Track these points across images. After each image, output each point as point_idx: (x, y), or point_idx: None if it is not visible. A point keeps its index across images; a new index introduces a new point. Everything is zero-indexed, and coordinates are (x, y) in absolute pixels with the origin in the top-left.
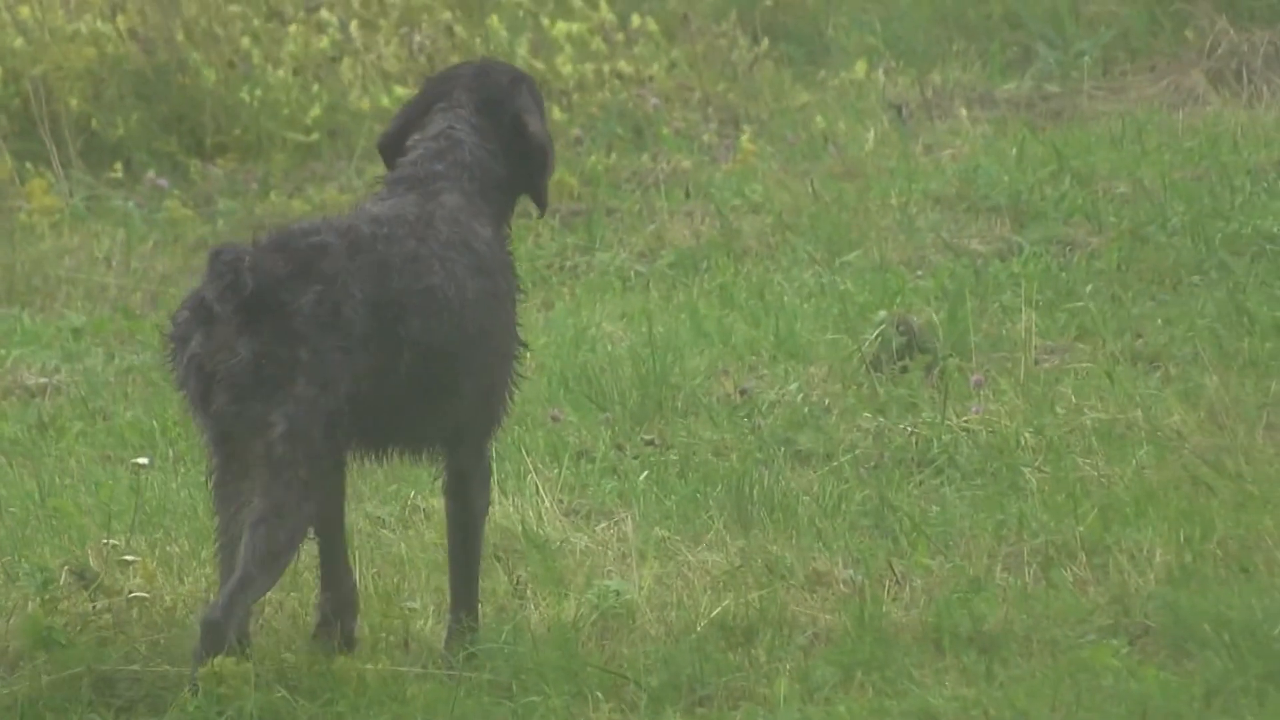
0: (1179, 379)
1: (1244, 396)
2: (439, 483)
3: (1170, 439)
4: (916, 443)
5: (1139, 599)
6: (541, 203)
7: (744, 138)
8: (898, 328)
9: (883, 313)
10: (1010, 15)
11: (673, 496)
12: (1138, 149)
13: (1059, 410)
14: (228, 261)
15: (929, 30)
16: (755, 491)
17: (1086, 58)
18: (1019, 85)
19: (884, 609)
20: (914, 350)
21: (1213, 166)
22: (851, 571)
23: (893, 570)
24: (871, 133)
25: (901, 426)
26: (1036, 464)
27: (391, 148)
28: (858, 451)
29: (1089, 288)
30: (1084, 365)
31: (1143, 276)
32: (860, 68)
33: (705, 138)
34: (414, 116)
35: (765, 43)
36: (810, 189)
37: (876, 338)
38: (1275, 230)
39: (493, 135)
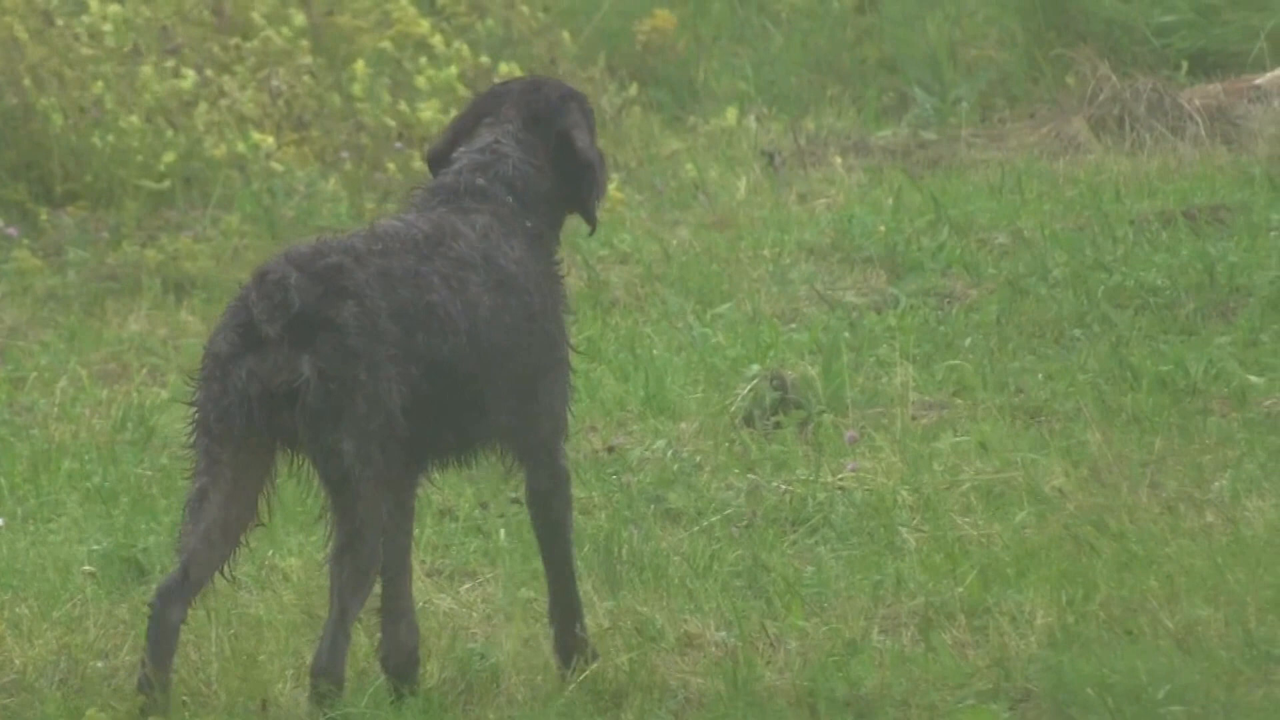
0: (1060, 435)
1: (1127, 453)
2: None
3: (1051, 497)
4: (790, 501)
5: (1020, 662)
6: (591, 220)
7: (612, 186)
8: (771, 382)
9: (755, 367)
10: (886, 60)
11: (539, 557)
12: (1017, 198)
13: (937, 468)
14: (275, 281)
15: (802, 76)
16: (624, 551)
17: (964, 104)
18: (895, 132)
19: (757, 672)
20: (787, 406)
21: (1095, 216)
22: (724, 634)
23: (766, 632)
24: (743, 181)
25: (775, 484)
26: (914, 523)
27: (439, 161)
28: (730, 510)
29: (968, 341)
30: (962, 421)
31: (1023, 330)
32: (731, 114)
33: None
34: (463, 130)
35: (634, 88)
36: (680, 239)
37: (749, 393)
38: (1159, 282)
39: (540, 151)
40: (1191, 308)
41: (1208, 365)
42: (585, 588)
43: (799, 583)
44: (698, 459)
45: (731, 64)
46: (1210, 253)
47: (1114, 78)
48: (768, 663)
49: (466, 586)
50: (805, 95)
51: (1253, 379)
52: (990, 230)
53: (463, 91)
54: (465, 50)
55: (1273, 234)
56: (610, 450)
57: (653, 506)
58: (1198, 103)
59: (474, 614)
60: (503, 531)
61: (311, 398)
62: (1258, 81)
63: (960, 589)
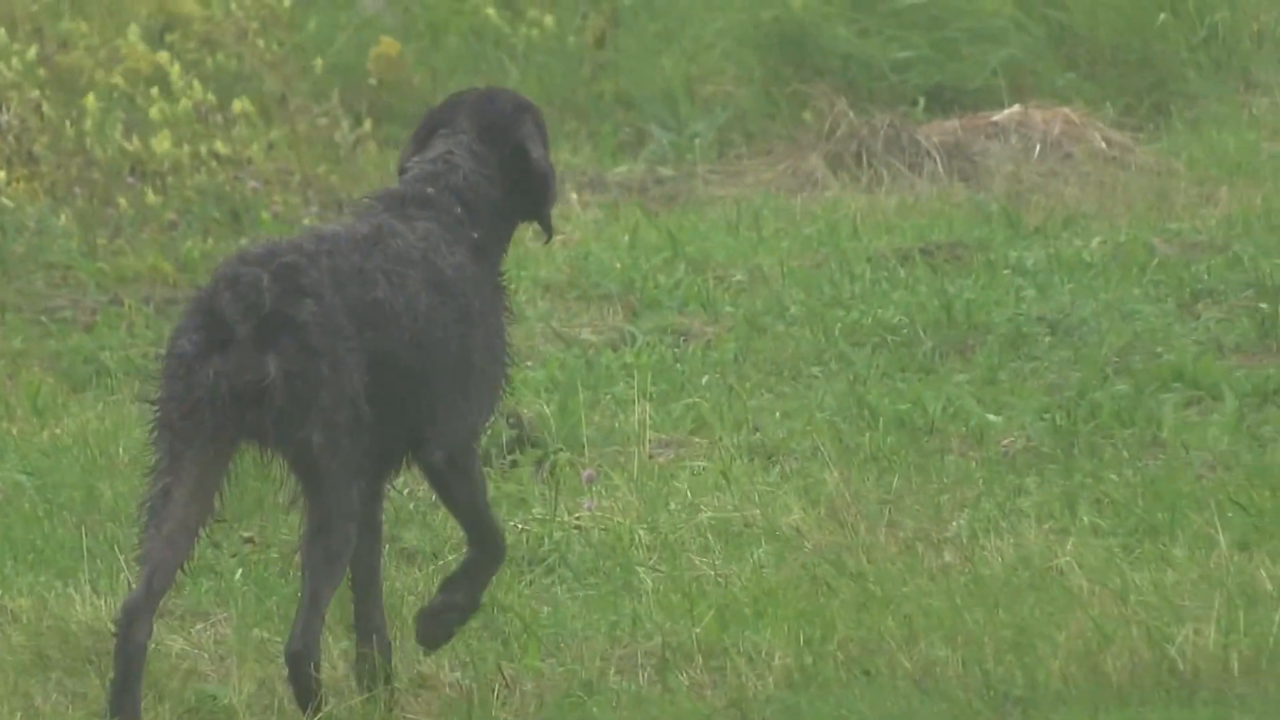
0: (798, 474)
1: (865, 492)
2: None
3: (789, 537)
4: (527, 540)
5: (757, 702)
6: (547, 229)
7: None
8: (507, 421)
9: None
10: (623, 96)
11: (273, 596)
12: (755, 235)
13: (674, 507)
14: (249, 284)
15: None
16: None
17: (701, 140)
18: (632, 168)
19: (493, 714)
20: (524, 444)
21: (832, 254)
22: (459, 674)
23: (502, 674)
24: None
25: (511, 524)
26: (651, 562)
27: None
28: (465, 549)
29: (705, 379)
30: (700, 460)
31: (760, 368)
32: None
33: (306, 221)
34: (420, 141)
35: (368, 123)
36: None
37: (486, 431)
38: (896, 320)
39: (492, 161)
40: (929, 346)
41: (945, 404)
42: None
43: (535, 623)
44: (433, 498)
45: None
46: (948, 290)
47: (851, 114)
48: (503, 704)
49: (199, 627)
50: None
51: (990, 417)
52: (728, 267)
53: (196, 126)
54: (197, 85)
55: (1009, 272)
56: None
57: (388, 546)
58: (935, 139)
59: (206, 655)
60: (239, 572)
61: (279, 396)
62: (995, 118)
63: (697, 629)
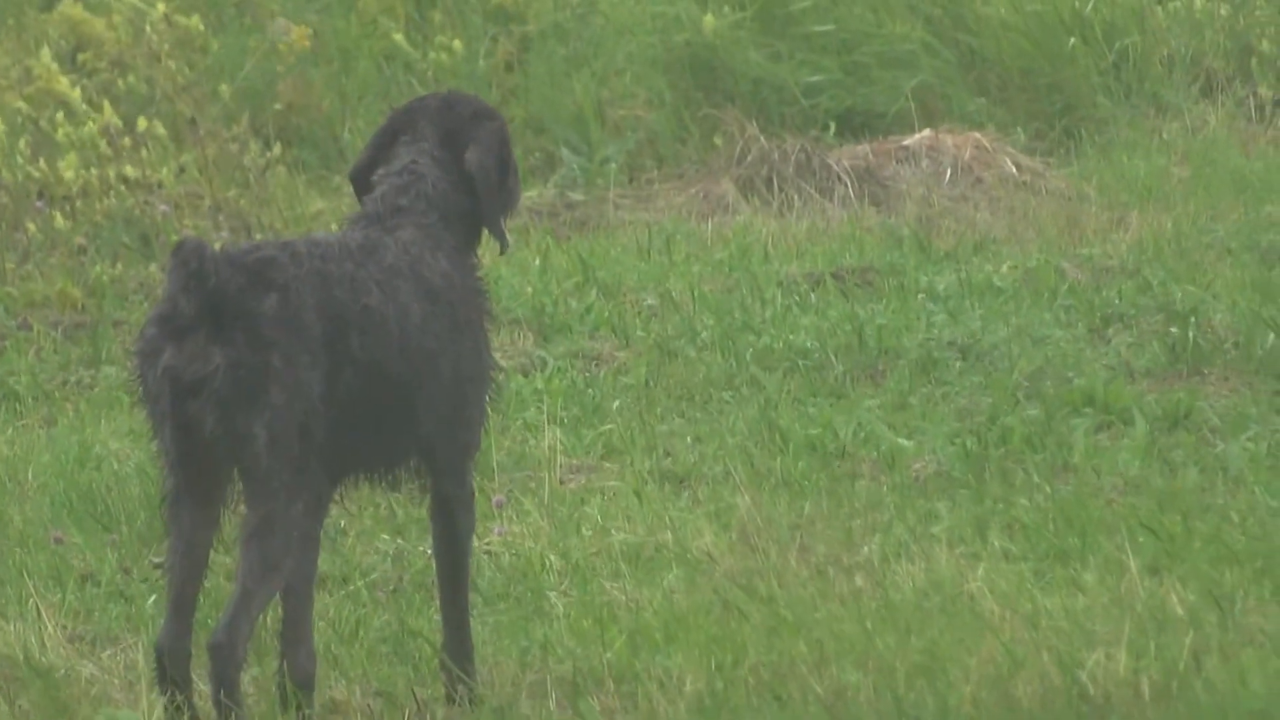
0: (710, 499)
1: (776, 517)
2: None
3: (701, 561)
4: None
5: None
6: (497, 237)
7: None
8: None
9: None
10: (533, 120)
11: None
12: (666, 260)
13: (585, 532)
14: (191, 250)
15: None
16: (269, 617)
17: (612, 164)
18: (542, 193)
19: None
20: None
21: (743, 278)
22: (370, 700)
23: (414, 698)
24: None
25: (421, 549)
26: (562, 587)
27: (360, 179)
28: (376, 575)
29: (616, 404)
30: (611, 485)
31: (671, 393)
32: None
33: (216, 246)
34: (381, 147)
35: (278, 148)
36: None
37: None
38: (807, 345)
39: (454, 168)
40: (840, 370)
41: (857, 428)
42: None
43: (443, 648)
44: (343, 523)
45: (376, 124)
46: (859, 315)
47: (762, 138)
48: None
49: (109, 652)
50: None
51: (902, 442)
52: (639, 292)
53: (104, 149)
54: (106, 107)
55: (921, 296)
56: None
57: None
58: (846, 164)
59: (116, 680)
60: (151, 599)
61: (221, 384)
62: (906, 142)
63: (609, 654)
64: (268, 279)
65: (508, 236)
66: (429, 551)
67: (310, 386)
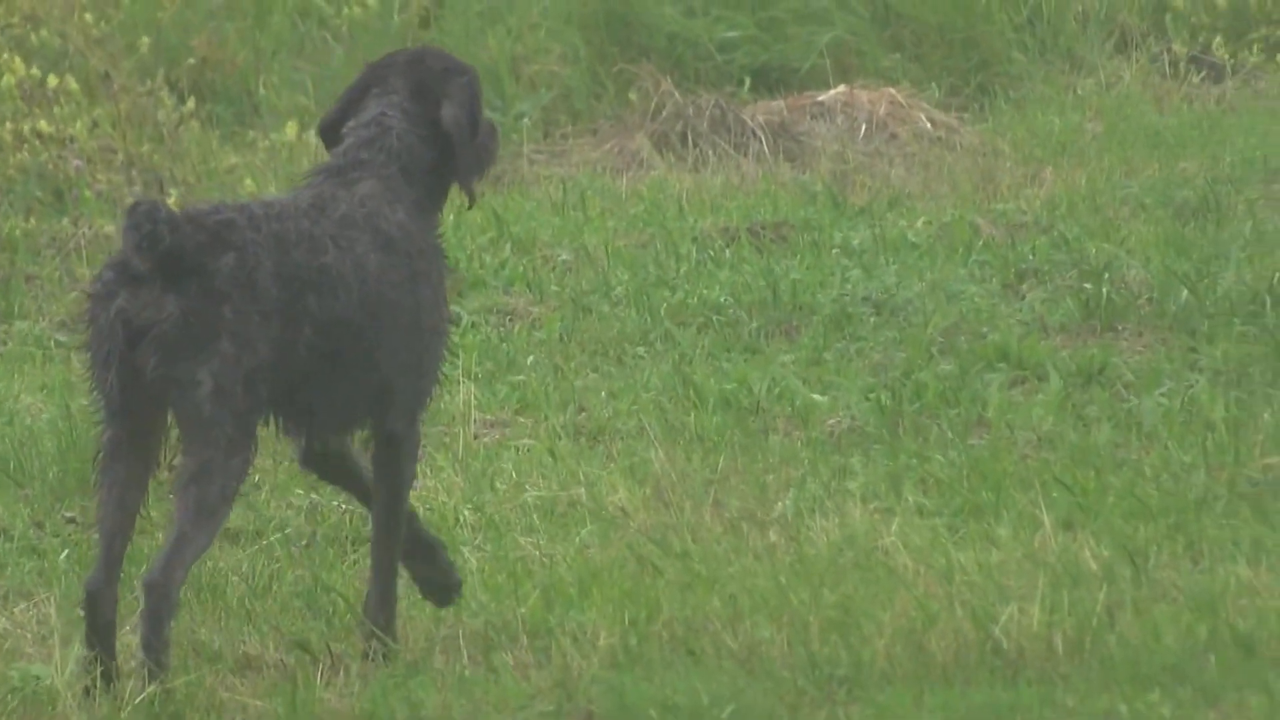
0: (624, 454)
1: (691, 473)
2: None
3: (615, 517)
4: (351, 520)
5: (582, 683)
6: (468, 193)
7: (170, 201)
8: None
9: None
10: None
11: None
12: (581, 215)
13: (499, 487)
14: (144, 212)
15: None
16: None
17: (527, 120)
18: None
19: (317, 694)
20: None
21: (658, 234)
22: (283, 655)
23: (329, 652)
24: None
25: (335, 503)
26: (476, 542)
27: (330, 131)
28: (290, 529)
29: (530, 359)
30: (525, 440)
31: (586, 348)
32: (292, 129)
33: (130, 201)
34: (352, 100)
35: (192, 102)
36: None
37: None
38: (722, 300)
39: (423, 122)
40: (755, 326)
41: (771, 384)
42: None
43: (359, 602)
44: (257, 478)
45: (291, 79)
46: (774, 270)
47: (677, 94)
48: (328, 684)
49: (21, 607)
50: None
51: (816, 397)
52: (553, 247)
53: (19, 104)
54: (18, 63)
55: (835, 251)
56: (170, 468)
57: None
58: (761, 119)
59: (29, 635)
60: (64, 553)
61: (170, 329)
62: (821, 98)
63: (522, 609)
64: (226, 240)
65: (476, 192)
66: (344, 506)
67: (260, 345)
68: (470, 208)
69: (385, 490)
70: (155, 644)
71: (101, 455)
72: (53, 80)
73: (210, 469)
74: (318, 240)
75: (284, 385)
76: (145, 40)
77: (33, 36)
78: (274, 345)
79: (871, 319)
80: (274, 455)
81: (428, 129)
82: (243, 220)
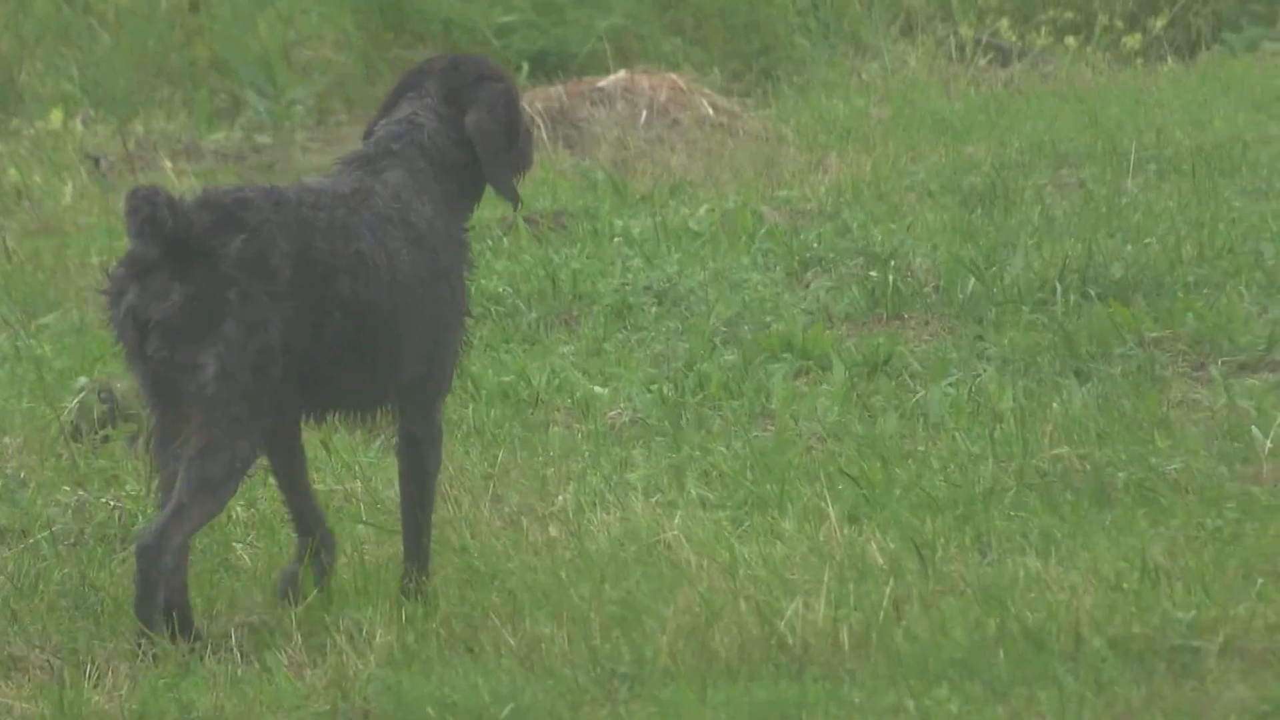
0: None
1: (469, 466)
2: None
3: (392, 512)
4: (120, 518)
5: (359, 682)
6: (507, 196)
7: None
8: (99, 395)
9: (83, 379)
10: (218, 62)
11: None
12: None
13: (271, 482)
14: (143, 196)
15: (131, 77)
16: None
17: (300, 107)
18: (228, 135)
19: (85, 696)
20: (116, 418)
21: None
22: (51, 657)
23: (96, 654)
24: (69, 186)
25: (104, 500)
26: (249, 539)
27: (370, 135)
28: (56, 528)
29: None
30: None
31: None
32: (56, 116)
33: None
34: (390, 106)
35: None
36: (3, 246)
37: (76, 405)
38: (500, 290)
39: (454, 125)
40: (534, 317)
41: (551, 375)
42: None
43: (129, 602)
44: (23, 474)
45: (55, 65)
46: (553, 260)
47: None
48: (95, 686)
49: None
50: (134, 97)
51: (597, 389)
52: None
53: None
54: None
55: (616, 240)
56: None
57: None
58: (539, 105)
59: None
60: None
61: (173, 316)
62: (600, 84)
63: (297, 607)
64: (238, 219)
65: (518, 193)
66: (112, 503)
67: (269, 327)
68: (516, 209)
69: (412, 483)
70: (145, 607)
71: (153, 440)
72: None
73: (215, 447)
74: (354, 228)
75: (307, 368)
76: None
77: None
78: (291, 327)
79: (653, 309)
80: (39, 453)
81: (459, 133)
82: (264, 201)
